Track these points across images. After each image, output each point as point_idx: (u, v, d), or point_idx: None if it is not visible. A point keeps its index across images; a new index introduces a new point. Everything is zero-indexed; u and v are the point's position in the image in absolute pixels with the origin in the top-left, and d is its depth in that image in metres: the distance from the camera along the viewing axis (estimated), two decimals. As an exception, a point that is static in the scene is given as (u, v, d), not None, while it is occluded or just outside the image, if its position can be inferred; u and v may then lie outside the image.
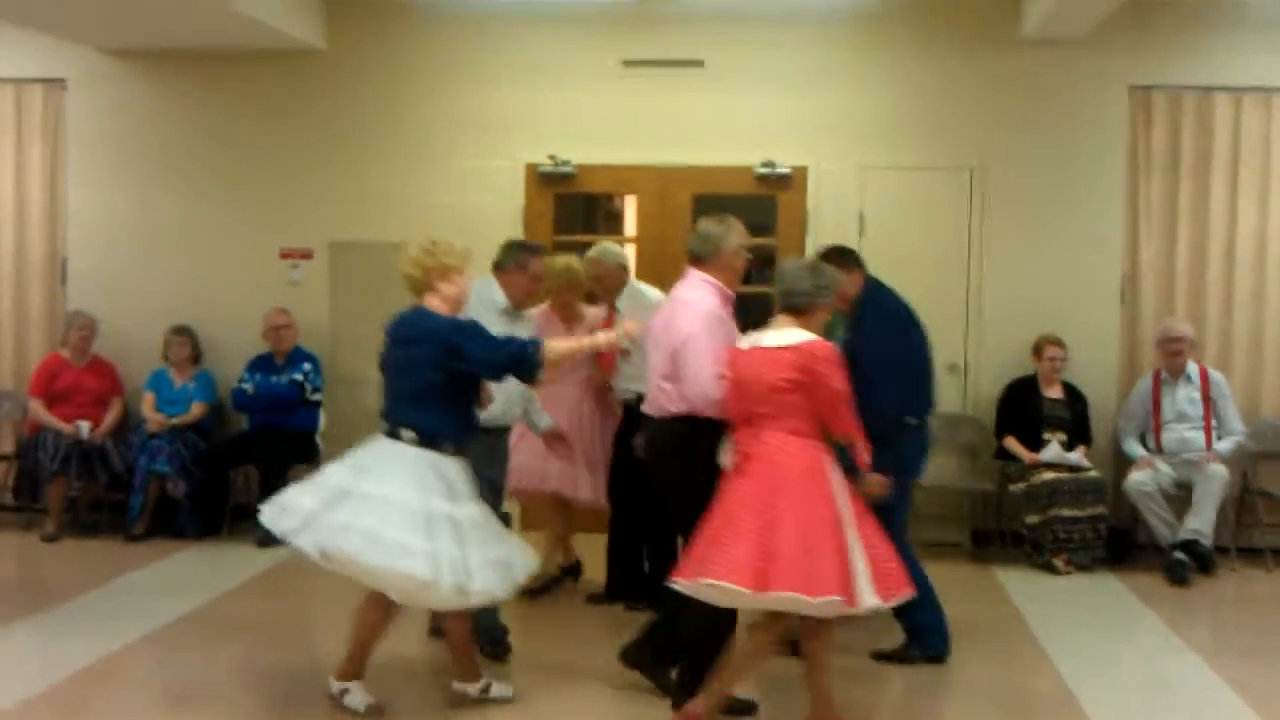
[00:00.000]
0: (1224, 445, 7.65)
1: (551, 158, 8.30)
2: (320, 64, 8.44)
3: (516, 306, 5.54)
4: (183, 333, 8.34)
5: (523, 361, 4.73)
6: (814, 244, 8.04)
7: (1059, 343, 7.84)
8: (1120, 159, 8.07)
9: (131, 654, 5.70)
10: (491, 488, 5.32)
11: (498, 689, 5.05)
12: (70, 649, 5.67)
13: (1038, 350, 7.84)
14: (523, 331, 5.40)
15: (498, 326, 5.18)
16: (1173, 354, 7.71)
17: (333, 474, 4.81)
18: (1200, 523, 7.29)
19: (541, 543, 6.64)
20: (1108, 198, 8.05)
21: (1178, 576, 7.20)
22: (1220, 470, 7.42)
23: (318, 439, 8.25)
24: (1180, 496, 7.62)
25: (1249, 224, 8.03)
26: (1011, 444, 7.77)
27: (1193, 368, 7.77)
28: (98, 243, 8.68)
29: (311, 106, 8.49)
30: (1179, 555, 7.26)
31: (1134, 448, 7.76)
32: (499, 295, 5.49)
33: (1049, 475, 7.51)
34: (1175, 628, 6.45)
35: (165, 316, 8.42)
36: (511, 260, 5.54)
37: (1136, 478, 7.56)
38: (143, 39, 8.31)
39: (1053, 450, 7.60)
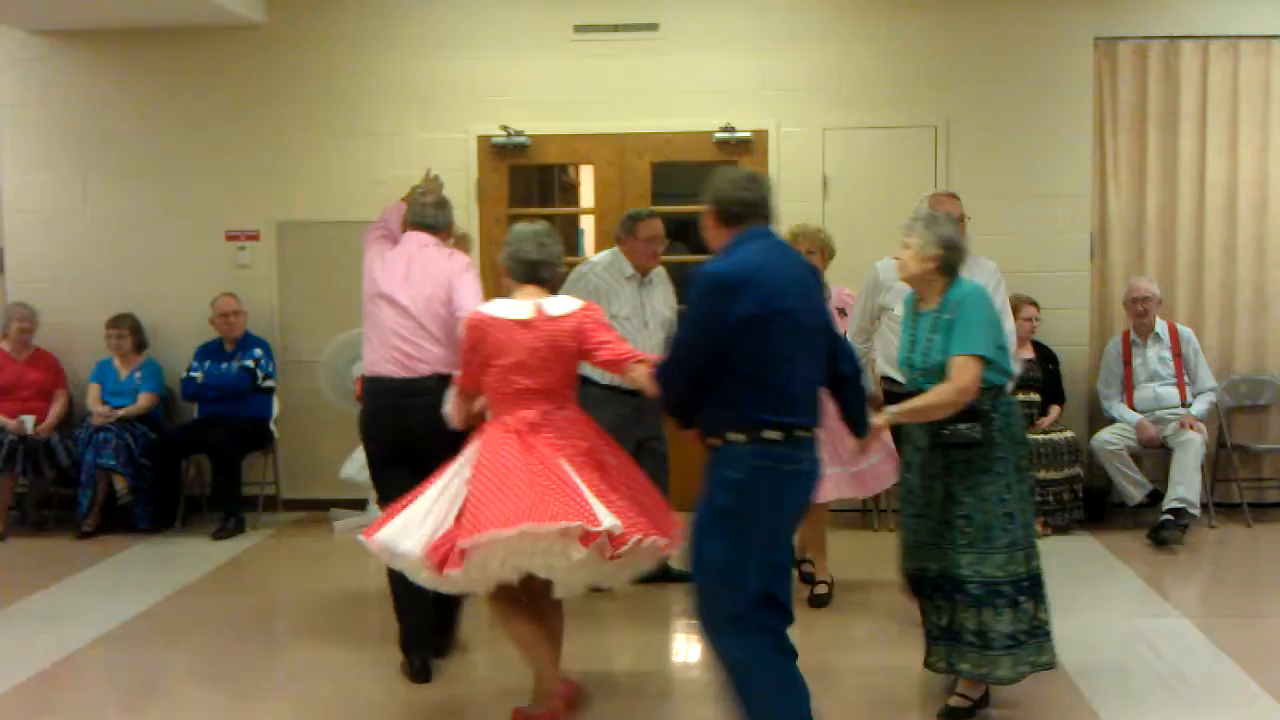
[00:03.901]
0: (1198, 406, 7.52)
1: (504, 128, 8.07)
2: (260, 38, 8.16)
3: (646, 269, 6.12)
4: (120, 323, 8.08)
5: None
6: (777, 210, 7.87)
7: (1034, 303, 7.70)
8: (1087, 113, 7.92)
9: (88, 655, 5.53)
10: (646, 449, 5.83)
11: None
12: (24, 652, 5.51)
13: (1012, 310, 7.66)
14: (656, 295, 6.14)
15: (629, 294, 6.02)
16: (1139, 314, 7.60)
17: None
18: (1186, 491, 7.15)
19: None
20: (1075, 153, 7.91)
21: (1163, 542, 7.07)
22: (1197, 437, 7.31)
23: (271, 426, 8.03)
24: (1150, 454, 7.54)
25: (1218, 175, 7.90)
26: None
27: (1161, 326, 7.66)
28: (35, 230, 8.41)
29: (252, 82, 8.22)
30: (1167, 518, 7.13)
31: (1123, 411, 7.61)
32: (625, 265, 6.10)
33: (1024, 437, 7.37)
34: (1157, 588, 6.39)
35: (108, 304, 8.17)
36: (622, 229, 6.14)
37: (1103, 437, 7.49)
38: (75, 18, 8.02)
39: None
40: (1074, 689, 4.85)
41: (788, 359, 3.69)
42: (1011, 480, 4.35)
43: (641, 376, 4.14)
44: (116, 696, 5.08)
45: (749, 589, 3.67)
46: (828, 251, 6.08)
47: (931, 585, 4.48)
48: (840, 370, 4.00)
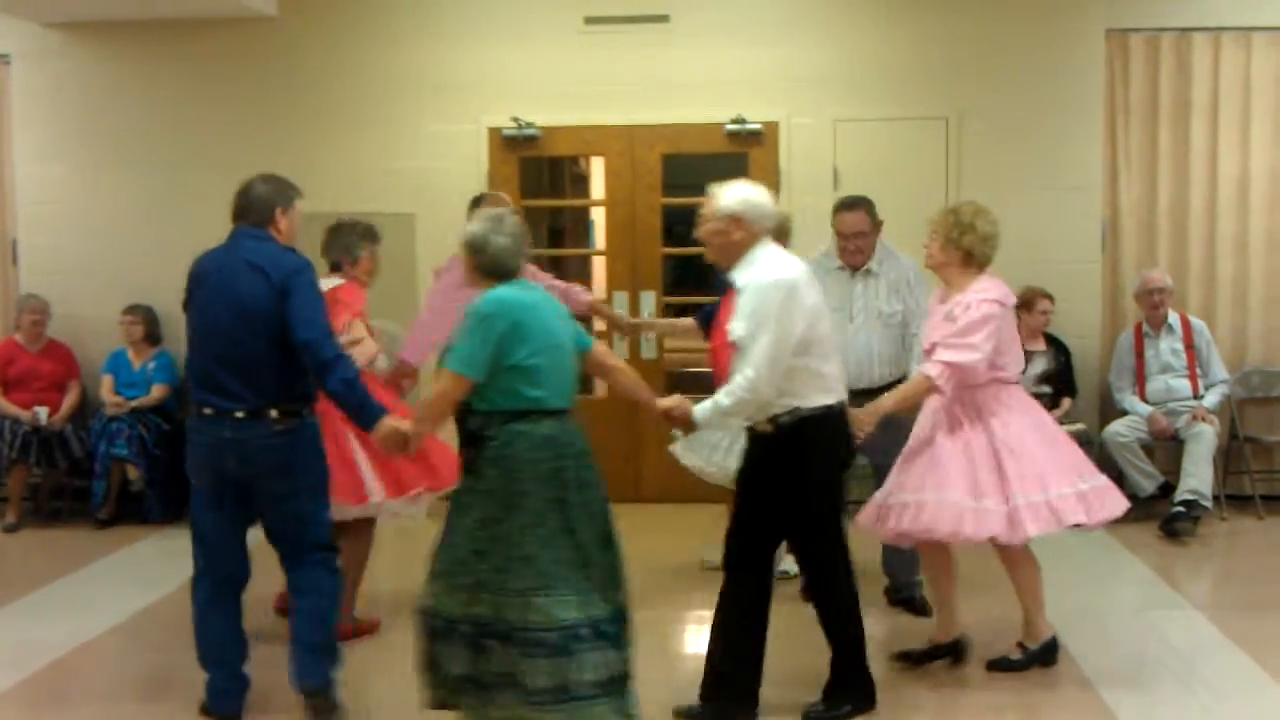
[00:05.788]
0: (1211, 398, 7.52)
1: (515, 120, 8.08)
2: (272, 30, 8.17)
3: (850, 265, 5.83)
4: (135, 311, 8.12)
5: None
6: (787, 201, 7.89)
7: (1049, 296, 7.69)
8: (1098, 105, 7.89)
9: (102, 645, 5.59)
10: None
11: None
12: (40, 641, 5.55)
13: (1027, 303, 7.63)
14: (875, 288, 5.74)
15: (837, 286, 5.70)
16: (1153, 306, 7.59)
17: None
18: (1198, 483, 7.15)
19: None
20: (1087, 145, 7.89)
21: (1175, 534, 7.07)
22: (1209, 429, 7.30)
23: (284, 417, 8.03)
24: (1161, 446, 7.54)
25: (1230, 167, 7.87)
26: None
27: (1174, 317, 7.65)
28: (49, 222, 8.43)
29: (264, 75, 8.23)
30: (1179, 510, 7.12)
31: (1135, 403, 7.61)
32: (834, 259, 5.89)
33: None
34: (1168, 580, 6.39)
35: (121, 296, 8.19)
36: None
37: (1114, 428, 7.48)
38: (87, 10, 8.03)
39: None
40: (1084, 681, 4.86)
41: (198, 342, 4.51)
42: (488, 516, 3.93)
43: None
44: (131, 685, 5.11)
45: (199, 540, 4.53)
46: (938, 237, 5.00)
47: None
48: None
